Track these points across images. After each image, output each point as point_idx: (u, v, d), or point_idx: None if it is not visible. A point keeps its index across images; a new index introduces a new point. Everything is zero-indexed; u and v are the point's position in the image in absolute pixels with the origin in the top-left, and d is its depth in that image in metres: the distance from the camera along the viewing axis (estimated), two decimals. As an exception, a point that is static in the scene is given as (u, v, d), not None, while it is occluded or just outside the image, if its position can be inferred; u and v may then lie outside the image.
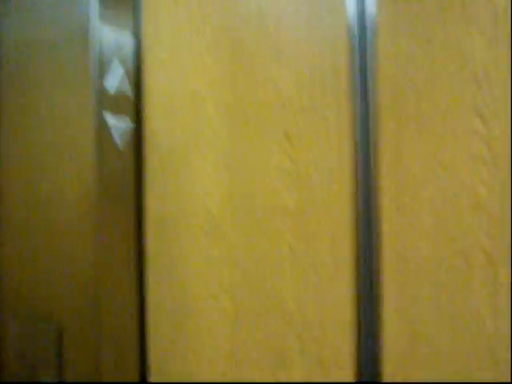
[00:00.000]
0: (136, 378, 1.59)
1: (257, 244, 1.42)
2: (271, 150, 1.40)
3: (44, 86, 1.62)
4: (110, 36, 1.55)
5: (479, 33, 1.15)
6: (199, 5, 1.54)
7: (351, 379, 1.29)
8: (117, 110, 1.55)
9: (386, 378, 1.25)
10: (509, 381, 1.12)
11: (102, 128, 1.51)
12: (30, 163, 1.64)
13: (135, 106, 1.62)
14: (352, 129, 1.29)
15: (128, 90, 1.59)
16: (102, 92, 1.51)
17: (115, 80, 1.55)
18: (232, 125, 1.46)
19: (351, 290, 1.30)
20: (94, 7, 1.52)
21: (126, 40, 1.60)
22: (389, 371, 1.24)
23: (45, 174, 1.61)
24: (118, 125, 1.55)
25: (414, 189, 1.21)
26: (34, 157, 1.63)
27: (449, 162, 1.18)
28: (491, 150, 1.13)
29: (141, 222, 1.63)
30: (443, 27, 1.19)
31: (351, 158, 1.28)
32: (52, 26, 1.61)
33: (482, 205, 1.15)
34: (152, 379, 1.58)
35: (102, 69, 1.52)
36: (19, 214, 1.66)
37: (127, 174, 1.60)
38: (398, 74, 1.23)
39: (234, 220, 1.45)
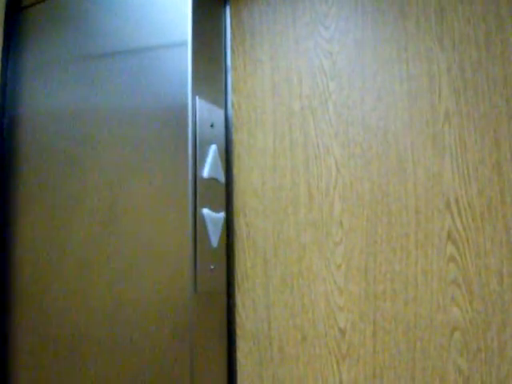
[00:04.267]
0: None
1: (409, 370, 1.16)
2: (430, 255, 1.17)
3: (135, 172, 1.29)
4: (203, 113, 1.27)
5: None
6: (296, 84, 1.31)
7: None
8: (210, 200, 1.25)
9: None
10: None
11: (197, 225, 1.21)
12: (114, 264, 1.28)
13: (227, 193, 1.33)
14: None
15: (221, 175, 1.30)
16: (197, 180, 1.22)
17: (210, 165, 1.26)
18: (368, 222, 1.22)
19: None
20: (190, 83, 1.24)
21: (218, 116, 1.33)
22: None
23: (133, 278, 1.26)
24: (213, 219, 1.25)
25: None
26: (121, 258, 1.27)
27: None
28: None
29: (232, 335, 1.31)
30: None
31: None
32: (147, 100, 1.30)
33: None
34: None
35: (198, 152, 1.23)
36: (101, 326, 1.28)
37: (220, 280, 1.29)
38: None
39: (376, 341, 1.19)
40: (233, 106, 1.39)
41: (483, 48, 1.18)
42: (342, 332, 1.22)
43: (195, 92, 1.26)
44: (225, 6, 1.43)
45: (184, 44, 1.27)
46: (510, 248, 1.12)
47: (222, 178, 1.32)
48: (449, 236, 1.16)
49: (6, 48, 1.55)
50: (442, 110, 1.20)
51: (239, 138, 1.37)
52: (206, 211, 1.24)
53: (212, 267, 1.26)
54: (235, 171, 1.36)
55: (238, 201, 1.35)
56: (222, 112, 1.36)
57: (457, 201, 1.16)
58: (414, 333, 1.17)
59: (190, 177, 1.22)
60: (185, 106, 1.25)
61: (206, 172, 1.26)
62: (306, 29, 1.34)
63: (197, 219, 1.22)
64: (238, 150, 1.37)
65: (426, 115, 1.20)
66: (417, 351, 1.16)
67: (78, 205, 1.35)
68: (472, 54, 1.18)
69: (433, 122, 1.20)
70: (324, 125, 1.29)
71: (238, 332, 1.31)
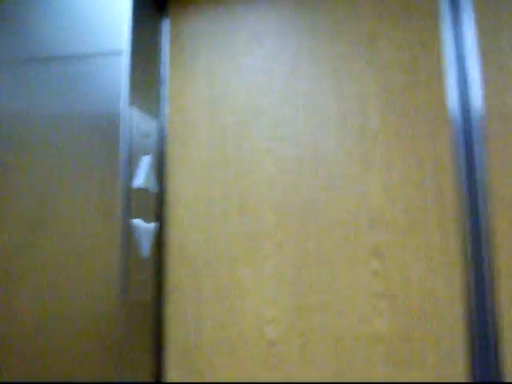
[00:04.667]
0: None
1: (338, 380, 1.20)
2: (357, 269, 1.22)
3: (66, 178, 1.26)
4: (139, 123, 1.27)
5: None
6: (223, 101, 1.34)
7: None
8: (142, 211, 1.25)
9: None
10: None
11: (128, 234, 1.20)
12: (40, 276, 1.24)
13: (159, 204, 1.33)
14: (461, 250, 1.17)
15: (153, 185, 1.30)
16: (129, 190, 1.22)
17: (142, 175, 1.26)
18: (298, 236, 1.26)
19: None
20: (126, 92, 1.24)
21: (153, 127, 1.33)
22: None
23: (61, 288, 1.23)
24: (144, 229, 1.24)
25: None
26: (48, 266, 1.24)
27: None
28: None
29: (161, 347, 1.30)
30: None
31: (461, 281, 1.16)
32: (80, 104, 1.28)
33: None
34: None
35: (131, 162, 1.23)
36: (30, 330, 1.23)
37: (149, 290, 1.28)
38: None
39: (304, 353, 1.22)
40: (168, 117, 1.39)
41: (409, 73, 1.24)
42: (271, 344, 1.24)
43: (131, 102, 1.26)
44: (164, 18, 1.44)
45: (121, 53, 1.26)
46: (430, 263, 1.18)
47: (154, 188, 1.31)
48: (374, 251, 1.21)
49: None
50: (370, 131, 1.25)
51: (173, 149, 1.37)
52: (137, 221, 1.24)
53: (142, 277, 1.25)
54: (168, 183, 1.36)
55: (170, 212, 1.35)
56: (156, 123, 1.36)
57: (382, 217, 1.21)
58: (341, 344, 1.21)
59: (123, 186, 1.21)
60: (119, 116, 1.24)
61: (138, 182, 1.25)
62: (243, 46, 1.36)
63: (128, 229, 1.21)
64: (172, 162, 1.37)
65: (355, 134, 1.25)
66: (343, 362, 1.20)
67: (5, 210, 1.31)
68: (399, 78, 1.25)
69: (361, 141, 1.25)
70: (257, 140, 1.31)
71: (167, 344, 1.30)
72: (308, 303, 1.23)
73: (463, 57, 1.23)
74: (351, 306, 1.21)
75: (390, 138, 1.24)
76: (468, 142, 1.20)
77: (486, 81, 1.21)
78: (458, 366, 1.14)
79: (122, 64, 1.24)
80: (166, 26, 1.43)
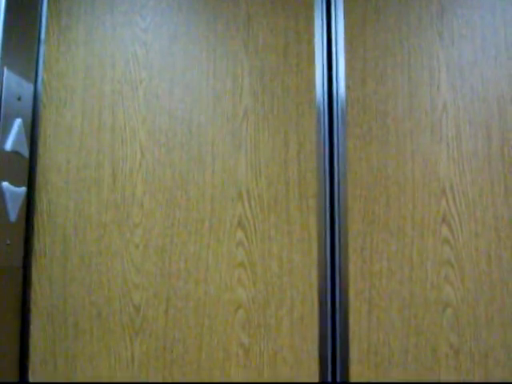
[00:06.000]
0: None
1: (197, 344, 1.27)
2: (222, 239, 1.30)
3: None
4: (13, 83, 1.27)
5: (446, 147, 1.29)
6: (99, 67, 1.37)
7: None
8: (11, 174, 1.26)
9: None
10: None
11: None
12: None
13: (30, 169, 1.33)
14: (318, 225, 1.28)
15: (25, 149, 1.30)
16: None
17: (13, 138, 1.26)
18: (167, 206, 1.31)
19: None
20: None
21: (26, 90, 1.33)
22: None
23: None
24: (12, 193, 1.25)
25: (381, 285, 1.26)
26: None
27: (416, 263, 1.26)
28: (457, 255, 1.25)
29: (26, 311, 1.32)
30: (413, 142, 1.30)
31: (317, 253, 1.27)
32: None
33: (447, 303, 1.25)
34: None
35: (2, 124, 1.23)
36: None
37: (17, 255, 1.29)
38: (367, 177, 1.28)
39: (168, 317, 1.29)
40: (43, 82, 1.38)
41: (281, 57, 1.32)
42: (137, 308, 1.29)
43: (3, 62, 1.24)
44: (42, -21, 1.42)
45: (-4, 10, 1.24)
46: (290, 236, 1.27)
47: (25, 152, 1.31)
48: (239, 223, 1.29)
49: None
50: (241, 109, 1.32)
51: (47, 114, 1.37)
52: (5, 184, 1.23)
53: (8, 242, 1.25)
54: (40, 147, 1.36)
55: (41, 177, 1.35)
56: (31, 86, 1.35)
57: (248, 192, 1.29)
58: (203, 310, 1.28)
59: (-9, 148, 1.20)
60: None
61: (8, 145, 1.25)
62: (123, 17, 1.38)
63: (-5, 192, 1.21)
64: (45, 127, 1.37)
65: (226, 112, 1.31)
66: (205, 327, 1.27)
67: None
68: (271, 61, 1.32)
69: (233, 119, 1.32)
70: (132, 110, 1.34)
71: (33, 308, 1.32)
72: (173, 270, 1.29)
73: (331, 46, 1.32)
74: (215, 274, 1.28)
75: (260, 118, 1.31)
76: (330, 126, 1.29)
77: (350, 70, 1.30)
78: (310, 330, 1.25)
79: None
80: (45, -13, 1.41)
